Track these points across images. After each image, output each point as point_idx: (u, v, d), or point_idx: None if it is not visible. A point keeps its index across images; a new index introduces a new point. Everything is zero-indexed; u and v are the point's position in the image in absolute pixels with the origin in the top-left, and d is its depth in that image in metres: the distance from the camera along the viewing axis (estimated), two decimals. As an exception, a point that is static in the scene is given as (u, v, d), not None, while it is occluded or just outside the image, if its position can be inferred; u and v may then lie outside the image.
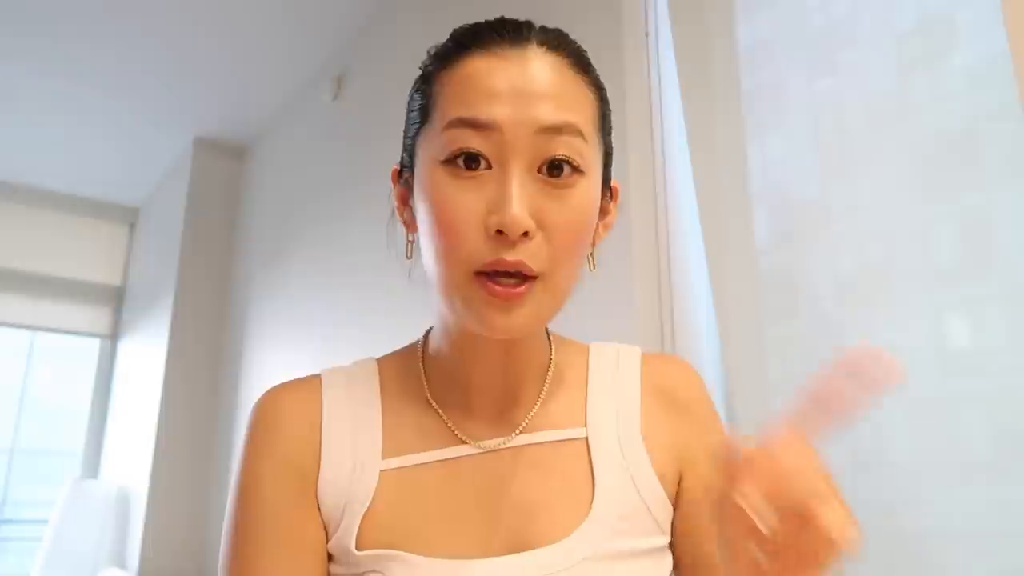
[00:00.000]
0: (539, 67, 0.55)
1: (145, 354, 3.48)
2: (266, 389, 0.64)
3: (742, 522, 0.41)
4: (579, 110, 0.56)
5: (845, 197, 1.11)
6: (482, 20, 0.60)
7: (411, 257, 0.63)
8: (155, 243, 3.74)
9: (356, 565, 0.56)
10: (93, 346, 4.01)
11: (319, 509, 0.58)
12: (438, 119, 0.55)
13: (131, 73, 2.89)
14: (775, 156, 1.23)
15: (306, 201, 2.77)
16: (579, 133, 0.55)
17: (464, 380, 0.62)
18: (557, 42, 0.57)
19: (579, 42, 0.61)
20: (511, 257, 0.52)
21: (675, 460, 0.63)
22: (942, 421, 0.95)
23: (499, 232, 0.52)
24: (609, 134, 0.62)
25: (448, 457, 0.60)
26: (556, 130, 0.54)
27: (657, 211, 1.34)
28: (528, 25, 0.58)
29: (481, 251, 0.52)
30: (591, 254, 0.62)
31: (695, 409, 0.66)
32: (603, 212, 0.61)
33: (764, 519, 0.41)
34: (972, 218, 0.96)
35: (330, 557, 0.58)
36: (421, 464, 0.60)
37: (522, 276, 0.53)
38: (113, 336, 4.02)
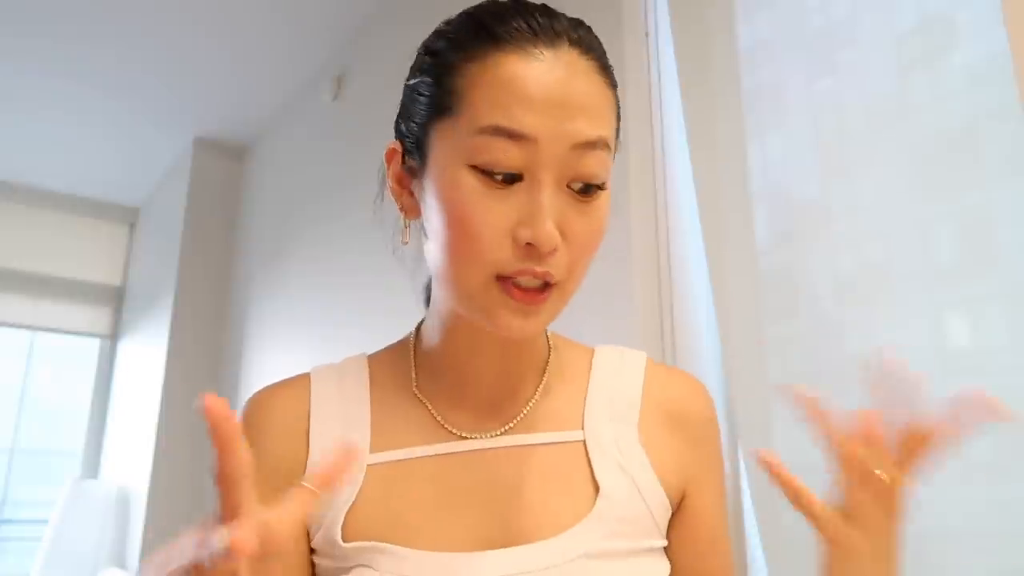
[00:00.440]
0: (575, 75, 0.54)
1: (145, 354, 3.48)
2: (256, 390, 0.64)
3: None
4: (608, 121, 0.56)
5: (845, 197, 1.11)
6: (498, 1, 0.57)
7: (408, 242, 0.62)
8: (155, 243, 3.74)
9: (344, 558, 0.56)
10: (93, 346, 4.01)
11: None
12: (467, 118, 0.53)
13: (131, 73, 2.89)
14: (775, 156, 1.23)
15: (306, 201, 2.77)
16: (608, 147, 0.55)
17: (458, 372, 0.62)
18: (588, 43, 0.56)
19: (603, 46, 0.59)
20: (540, 268, 0.52)
21: (679, 473, 0.63)
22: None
23: (528, 244, 0.52)
24: (619, 136, 0.62)
25: (438, 452, 0.60)
26: (589, 146, 0.53)
27: (657, 211, 1.34)
28: (556, 16, 0.56)
29: (507, 260, 0.52)
30: None
31: (706, 431, 0.66)
32: None
33: None
34: (972, 218, 0.96)
35: (315, 552, 0.58)
36: (410, 458, 0.59)
37: (544, 283, 0.54)
38: (113, 336, 4.02)
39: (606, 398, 0.64)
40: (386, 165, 0.62)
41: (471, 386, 0.62)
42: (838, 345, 1.08)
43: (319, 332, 2.51)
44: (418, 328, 0.67)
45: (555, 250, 0.52)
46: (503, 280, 0.53)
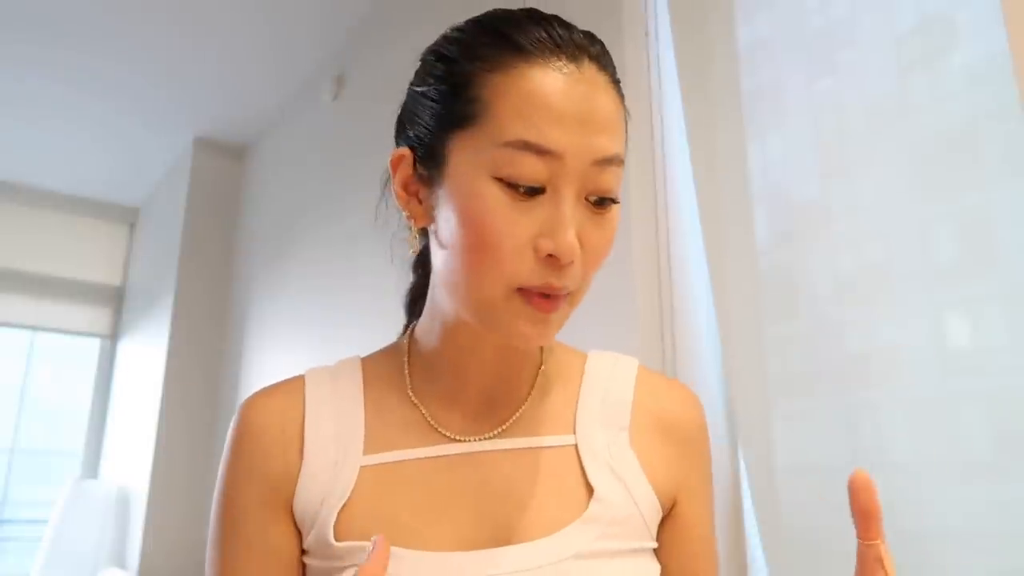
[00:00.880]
0: (597, 91, 0.55)
1: (145, 354, 3.48)
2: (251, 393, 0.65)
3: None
4: (622, 136, 0.57)
5: (845, 197, 1.11)
6: (513, 9, 0.58)
7: (418, 251, 0.63)
8: (155, 243, 3.75)
9: (336, 558, 0.56)
10: (93, 346, 4.02)
11: (292, 514, 0.59)
12: (492, 130, 0.53)
13: (131, 74, 2.89)
14: (775, 156, 1.23)
15: (306, 201, 2.77)
16: (623, 162, 0.56)
17: (454, 375, 0.62)
18: (605, 59, 0.57)
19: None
20: (559, 283, 0.53)
21: (670, 480, 0.63)
22: (942, 421, 0.95)
23: (549, 256, 0.53)
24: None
25: (431, 454, 0.60)
26: (609, 161, 0.54)
27: (657, 211, 1.34)
28: (573, 29, 0.57)
29: (529, 272, 0.53)
30: None
31: (697, 440, 0.67)
32: None
33: None
34: (972, 218, 0.96)
35: (307, 552, 0.58)
36: (403, 460, 0.60)
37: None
38: (113, 336, 4.02)
39: (598, 403, 0.64)
40: (391, 171, 0.61)
41: (466, 389, 0.62)
42: (838, 345, 1.08)
43: (319, 332, 2.51)
44: (412, 331, 0.67)
45: (573, 262, 0.53)
46: (524, 292, 0.54)
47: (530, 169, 0.52)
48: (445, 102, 0.56)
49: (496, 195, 0.53)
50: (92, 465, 3.80)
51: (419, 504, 0.58)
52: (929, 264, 0.99)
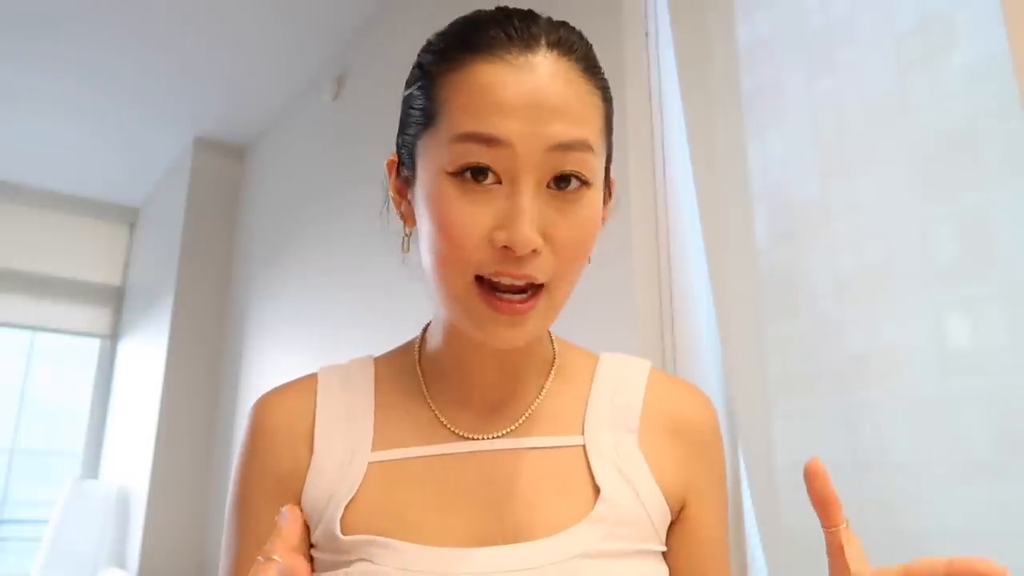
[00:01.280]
0: (551, 78, 0.54)
1: (145, 354, 3.48)
2: (264, 391, 0.65)
3: None
4: (589, 123, 0.55)
5: (845, 197, 1.11)
6: (483, 9, 0.58)
7: (407, 251, 0.63)
8: (155, 243, 3.75)
9: (343, 552, 0.56)
10: (93, 346, 4.02)
11: (301, 510, 0.59)
12: (445, 128, 0.54)
13: (131, 73, 2.89)
14: (775, 156, 1.23)
15: (306, 201, 2.77)
16: (589, 148, 0.54)
17: (460, 374, 0.63)
18: (568, 44, 0.56)
19: (590, 45, 0.59)
20: (518, 271, 0.53)
21: (679, 482, 0.63)
22: (942, 421, 0.95)
23: (506, 248, 0.52)
24: (612, 133, 0.61)
25: (441, 452, 0.60)
26: (567, 147, 0.53)
27: (657, 211, 1.34)
28: (535, 20, 0.56)
29: (486, 260, 0.53)
30: None
31: (708, 442, 0.66)
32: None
33: None
34: (972, 218, 0.96)
35: (315, 546, 0.59)
36: (411, 457, 0.60)
37: (527, 289, 0.54)
38: (113, 336, 4.02)
39: (607, 405, 0.64)
40: (387, 176, 0.64)
41: (474, 388, 0.62)
42: (838, 345, 1.08)
43: (319, 332, 2.51)
44: (424, 331, 0.68)
45: (534, 252, 0.52)
46: (483, 284, 0.53)
47: (477, 159, 0.52)
48: (417, 106, 0.58)
49: (451, 190, 0.53)
50: (92, 465, 3.80)
51: (427, 500, 0.58)
52: (929, 264, 0.99)
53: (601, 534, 0.57)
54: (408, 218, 0.62)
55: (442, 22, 0.61)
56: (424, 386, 0.64)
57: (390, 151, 0.64)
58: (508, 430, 0.61)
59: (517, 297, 0.54)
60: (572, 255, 0.55)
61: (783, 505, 1.10)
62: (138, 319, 3.74)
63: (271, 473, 0.61)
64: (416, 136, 0.58)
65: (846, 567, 0.49)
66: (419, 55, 0.61)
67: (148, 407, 3.21)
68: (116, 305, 4.05)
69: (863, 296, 1.06)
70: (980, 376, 0.93)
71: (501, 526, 0.57)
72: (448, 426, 0.61)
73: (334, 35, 2.63)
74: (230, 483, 0.63)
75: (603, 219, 0.63)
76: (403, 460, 0.60)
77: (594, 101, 0.56)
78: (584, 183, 0.54)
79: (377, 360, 0.68)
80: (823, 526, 0.50)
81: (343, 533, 0.56)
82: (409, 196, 0.61)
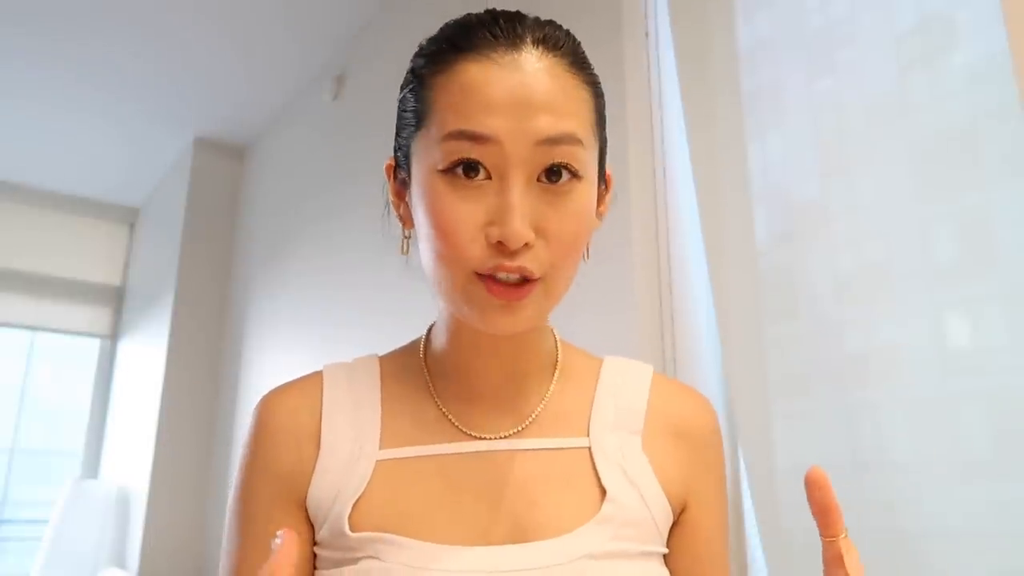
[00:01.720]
0: (536, 74, 0.55)
1: (145, 354, 3.48)
2: (269, 388, 0.65)
3: None
4: (577, 116, 0.56)
5: (845, 197, 1.11)
6: (472, 13, 0.59)
7: (407, 253, 0.63)
8: (155, 243, 3.75)
9: (350, 549, 0.56)
10: (93, 346, 4.01)
11: (305, 509, 0.60)
12: (435, 128, 0.56)
13: (131, 73, 2.89)
14: (775, 156, 1.23)
15: (306, 201, 2.77)
16: (578, 141, 0.55)
17: (466, 372, 0.63)
18: (553, 40, 0.57)
19: (578, 41, 0.60)
20: (511, 263, 0.53)
21: (681, 484, 0.63)
22: (942, 421, 0.95)
23: (499, 243, 0.53)
24: (604, 127, 0.62)
25: (447, 451, 0.60)
26: (555, 141, 0.54)
27: (657, 210, 1.34)
28: (521, 20, 0.57)
29: (481, 257, 0.54)
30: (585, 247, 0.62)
31: (709, 446, 0.66)
32: (597, 202, 0.61)
33: None
34: (972, 218, 0.96)
35: (319, 544, 0.59)
36: (419, 456, 0.60)
37: (522, 281, 0.54)
38: (113, 336, 4.02)
39: (611, 407, 0.64)
40: (387, 179, 0.65)
41: (479, 387, 0.63)
42: (838, 345, 1.08)
43: (319, 332, 2.51)
44: (429, 331, 0.68)
45: (527, 246, 0.53)
46: (482, 277, 0.54)
47: (467, 156, 0.53)
48: (408, 108, 0.60)
49: (442, 187, 0.54)
50: (92, 465, 3.80)
51: (435, 498, 0.58)
52: (929, 264, 0.99)
53: (607, 535, 0.57)
54: (407, 220, 0.63)
55: (442, 22, 0.61)
56: (434, 384, 0.64)
57: (390, 151, 0.65)
58: (515, 430, 0.62)
59: (512, 279, 0.54)
60: (566, 248, 0.55)
61: (783, 506, 1.10)
62: (138, 319, 3.74)
63: (275, 472, 0.60)
64: (409, 138, 0.59)
65: None
66: (412, 59, 0.62)
67: (148, 407, 3.21)
68: (116, 305, 4.05)
69: (863, 296, 1.06)
70: (980, 376, 0.93)
71: (508, 525, 0.57)
72: (456, 424, 0.62)
73: (334, 35, 2.63)
74: (233, 483, 0.63)
75: (601, 214, 0.64)
76: (411, 458, 0.60)
77: (582, 95, 0.57)
78: (574, 175, 0.55)
79: (382, 359, 0.68)
80: (822, 535, 0.50)
81: (351, 530, 0.56)
82: (407, 198, 0.62)
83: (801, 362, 1.14)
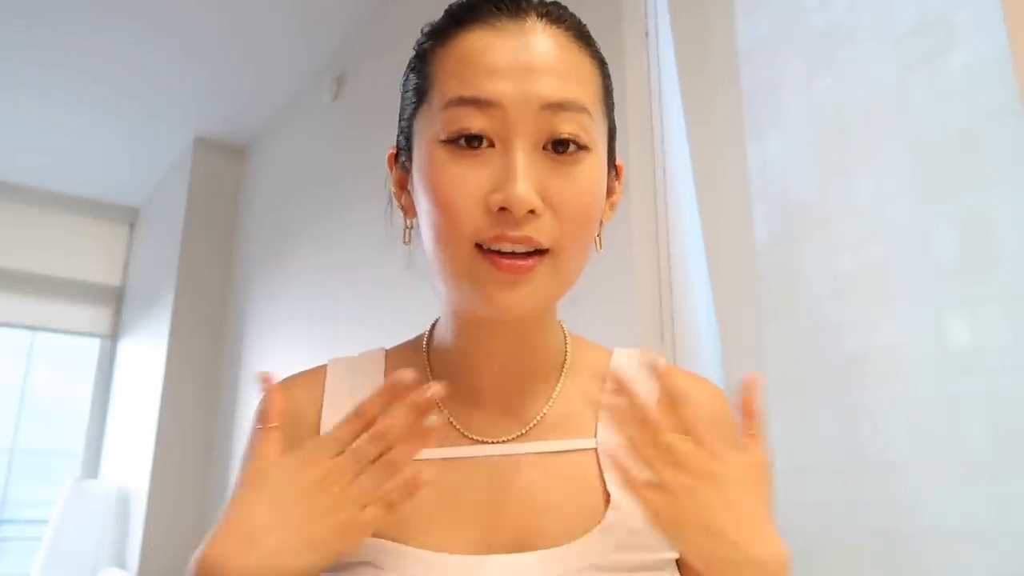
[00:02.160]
0: (540, 40, 0.53)
1: (145, 354, 3.48)
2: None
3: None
4: (583, 85, 0.54)
5: (844, 197, 1.11)
6: None
7: (409, 242, 0.61)
8: (155, 243, 3.74)
9: (348, 554, 0.54)
10: (93, 346, 4.01)
11: None
12: (436, 98, 0.54)
13: (131, 73, 2.89)
14: (774, 156, 1.23)
15: (306, 201, 2.77)
16: (584, 109, 0.53)
17: (471, 374, 0.60)
18: (557, 14, 0.56)
19: (583, 23, 0.59)
20: (516, 232, 0.51)
21: None
22: (942, 421, 0.95)
23: (502, 210, 0.51)
24: (612, 110, 0.60)
25: (449, 456, 0.58)
26: (560, 106, 0.52)
27: (657, 210, 1.34)
28: None
29: (483, 227, 0.51)
30: (598, 234, 0.60)
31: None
32: (608, 191, 0.60)
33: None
34: (972, 218, 0.96)
35: None
36: (420, 460, 0.57)
37: (529, 254, 0.52)
38: (113, 336, 4.02)
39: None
40: (389, 171, 0.63)
41: (483, 389, 0.60)
42: (837, 345, 1.08)
43: (319, 331, 2.51)
44: (432, 326, 0.66)
45: (532, 213, 0.51)
46: (484, 251, 0.52)
47: (468, 123, 0.52)
48: (410, 88, 0.59)
49: (445, 158, 0.52)
50: (92, 465, 3.80)
51: (435, 505, 0.57)
52: (929, 264, 0.99)
53: (612, 544, 0.55)
54: (409, 209, 0.61)
55: (442, 22, 0.61)
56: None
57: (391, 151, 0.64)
58: (519, 433, 0.60)
59: (520, 257, 0.52)
60: (576, 221, 0.53)
61: (783, 505, 1.10)
62: (138, 319, 3.74)
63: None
64: (411, 118, 0.58)
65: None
66: (415, 44, 0.61)
67: (148, 407, 3.20)
68: (116, 305, 4.05)
69: (862, 296, 1.06)
70: (980, 376, 0.93)
71: (510, 533, 0.55)
72: (459, 428, 0.60)
73: (334, 35, 2.63)
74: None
75: (613, 204, 0.61)
76: (412, 463, 0.57)
77: (587, 66, 0.56)
78: (582, 147, 0.53)
79: (389, 353, 0.66)
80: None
81: None
82: (409, 186, 0.60)
83: (800, 362, 1.14)
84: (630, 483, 0.50)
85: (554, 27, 0.55)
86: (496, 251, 0.52)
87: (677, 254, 1.30)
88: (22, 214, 3.85)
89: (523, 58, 0.52)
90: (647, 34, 1.42)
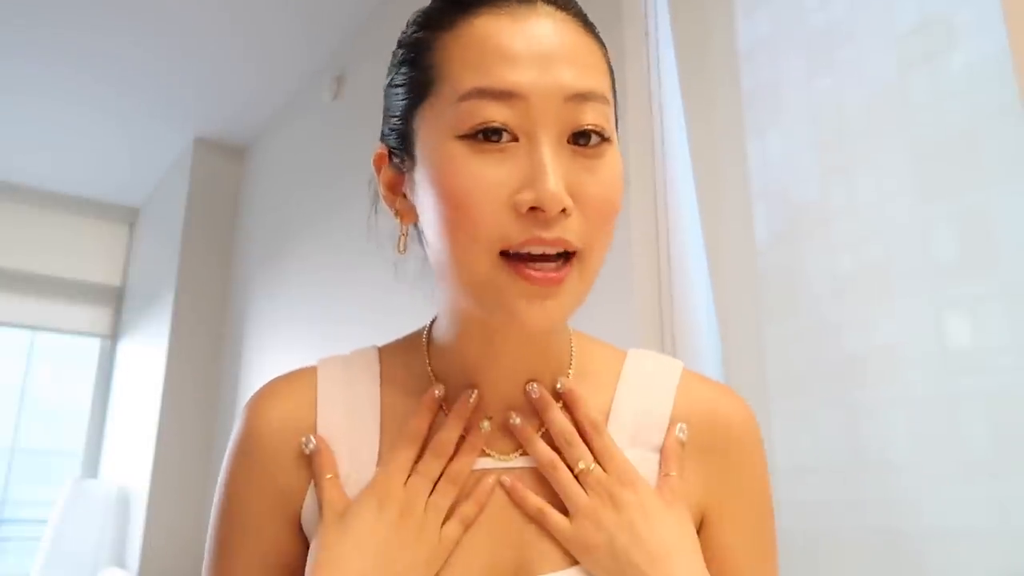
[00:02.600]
0: (555, 28, 0.50)
1: (145, 354, 3.48)
2: (259, 388, 0.61)
3: None
4: (600, 74, 0.52)
5: (845, 196, 1.11)
6: None
7: (404, 252, 0.58)
8: (155, 243, 3.74)
9: None
10: (93, 346, 4.01)
11: (300, 522, 0.56)
12: (447, 90, 0.49)
13: (131, 73, 2.89)
14: (774, 155, 1.23)
15: (306, 201, 2.77)
16: (605, 99, 0.51)
17: (474, 378, 0.57)
18: (565, 1, 0.53)
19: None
20: (549, 234, 0.47)
21: (698, 493, 0.57)
22: (942, 420, 0.95)
23: (532, 209, 0.47)
24: (617, 105, 0.58)
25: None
26: (584, 97, 0.49)
27: (657, 210, 1.34)
28: None
29: (510, 231, 0.47)
30: None
31: (741, 455, 0.59)
32: None
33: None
34: (972, 218, 0.96)
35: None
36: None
37: (560, 257, 0.48)
38: (113, 336, 4.02)
39: (631, 417, 0.58)
40: (376, 174, 0.59)
41: (487, 399, 0.57)
42: (837, 344, 1.08)
43: (319, 331, 2.51)
44: (430, 328, 0.62)
45: (564, 211, 0.47)
46: (511, 259, 0.48)
47: (491, 116, 0.47)
48: (405, 82, 0.54)
49: (463, 154, 0.48)
50: (92, 465, 3.80)
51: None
52: (929, 263, 0.99)
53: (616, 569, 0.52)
54: (405, 213, 0.56)
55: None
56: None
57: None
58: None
59: (550, 266, 0.48)
60: (603, 216, 0.50)
61: (783, 505, 1.10)
62: (138, 319, 3.74)
63: (269, 482, 0.55)
64: (410, 113, 0.53)
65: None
66: (402, 34, 0.57)
67: (148, 407, 3.20)
68: (116, 305, 4.05)
69: (863, 296, 1.06)
70: (980, 376, 0.93)
71: (514, 555, 0.53)
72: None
73: (334, 35, 2.63)
74: (218, 493, 0.57)
75: None
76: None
77: (598, 55, 0.53)
78: (605, 139, 0.50)
79: (382, 353, 0.61)
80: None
81: None
82: (404, 188, 0.56)
83: (800, 361, 1.14)
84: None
85: (563, 13, 0.52)
86: (525, 256, 0.48)
87: (677, 254, 1.30)
88: (22, 214, 3.85)
89: (541, 46, 0.49)
90: (647, 34, 1.42)
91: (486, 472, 0.56)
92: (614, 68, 0.56)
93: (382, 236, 0.63)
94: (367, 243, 0.71)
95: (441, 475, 0.55)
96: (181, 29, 2.62)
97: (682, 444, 0.57)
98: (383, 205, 0.60)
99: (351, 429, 0.57)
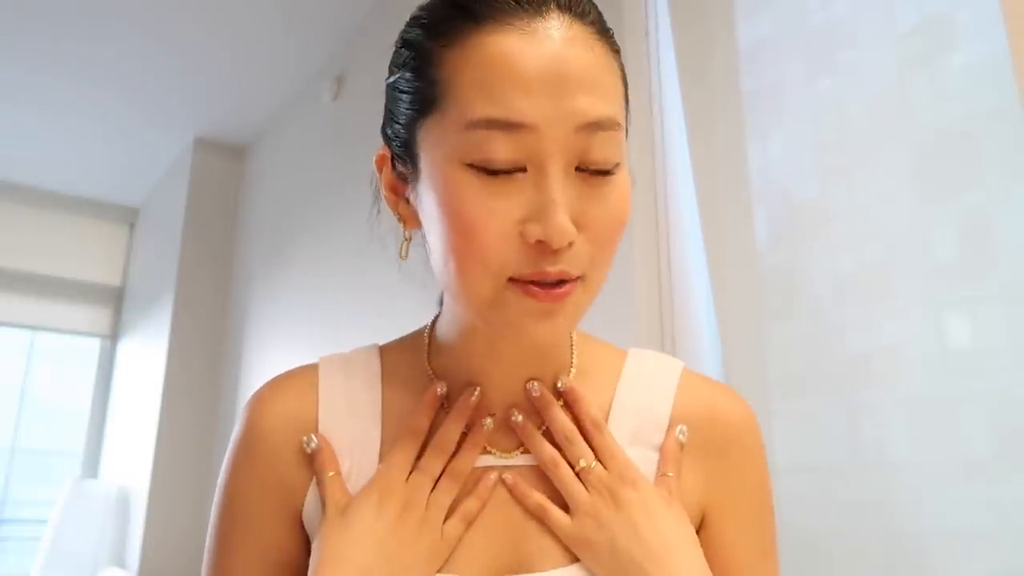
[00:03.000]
0: (570, 47, 0.48)
1: (145, 354, 3.48)
2: (260, 386, 0.61)
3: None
4: (615, 95, 0.50)
5: (845, 197, 1.11)
6: None
7: (406, 257, 0.58)
8: (155, 243, 3.75)
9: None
10: (93, 346, 4.01)
11: (302, 520, 0.56)
12: (455, 112, 0.48)
13: (131, 73, 2.89)
14: (775, 156, 1.23)
15: (306, 201, 2.77)
16: (619, 126, 0.49)
17: (476, 377, 0.57)
18: (579, 5, 0.51)
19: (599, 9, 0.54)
20: (553, 268, 0.47)
21: (698, 492, 0.57)
22: (942, 420, 0.95)
23: (539, 242, 0.47)
24: (628, 104, 0.56)
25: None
26: (597, 126, 0.48)
27: (657, 210, 1.34)
28: None
29: (517, 262, 0.47)
30: None
31: (741, 455, 0.59)
32: None
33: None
34: (972, 218, 0.96)
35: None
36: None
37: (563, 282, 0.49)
38: (113, 336, 4.02)
39: (632, 416, 0.58)
40: (377, 173, 0.59)
41: (489, 396, 0.57)
42: (838, 345, 1.08)
43: (319, 332, 2.51)
44: (432, 327, 0.62)
45: (570, 245, 0.47)
46: (518, 283, 0.48)
47: (502, 149, 0.46)
48: (410, 90, 0.52)
49: (470, 182, 0.47)
50: (92, 465, 3.80)
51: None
52: (929, 264, 0.99)
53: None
54: (408, 219, 0.56)
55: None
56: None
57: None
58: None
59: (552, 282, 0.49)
60: (607, 242, 0.50)
61: (783, 504, 1.10)
62: (138, 319, 3.74)
63: (270, 479, 0.56)
64: (414, 124, 0.52)
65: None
66: (405, 32, 0.55)
67: (148, 407, 3.21)
68: (116, 305, 4.05)
69: (863, 296, 1.06)
70: (980, 376, 0.93)
71: (514, 553, 0.53)
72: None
73: (334, 35, 2.63)
74: (219, 492, 0.58)
75: None
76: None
77: (613, 67, 0.51)
78: (615, 165, 0.49)
79: (383, 352, 0.62)
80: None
81: None
82: (408, 194, 0.55)
83: (801, 362, 1.14)
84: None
85: (578, 23, 0.50)
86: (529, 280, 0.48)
87: (678, 255, 1.30)
88: (22, 214, 3.85)
89: (554, 69, 0.47)
90: (647, 33, 1.42)
91: (488, 469, 0.56)
92: (600, 17, 0.54)
93: (383, 236, 0.64)
94: (367, 243, 0.71)
95: (443, 472, 0.55)
96: (181, 30, 2.62)
97: (681, 446, 0.57)
98: (384, 205, 0.60)
99: (352, 426, 0.57)
